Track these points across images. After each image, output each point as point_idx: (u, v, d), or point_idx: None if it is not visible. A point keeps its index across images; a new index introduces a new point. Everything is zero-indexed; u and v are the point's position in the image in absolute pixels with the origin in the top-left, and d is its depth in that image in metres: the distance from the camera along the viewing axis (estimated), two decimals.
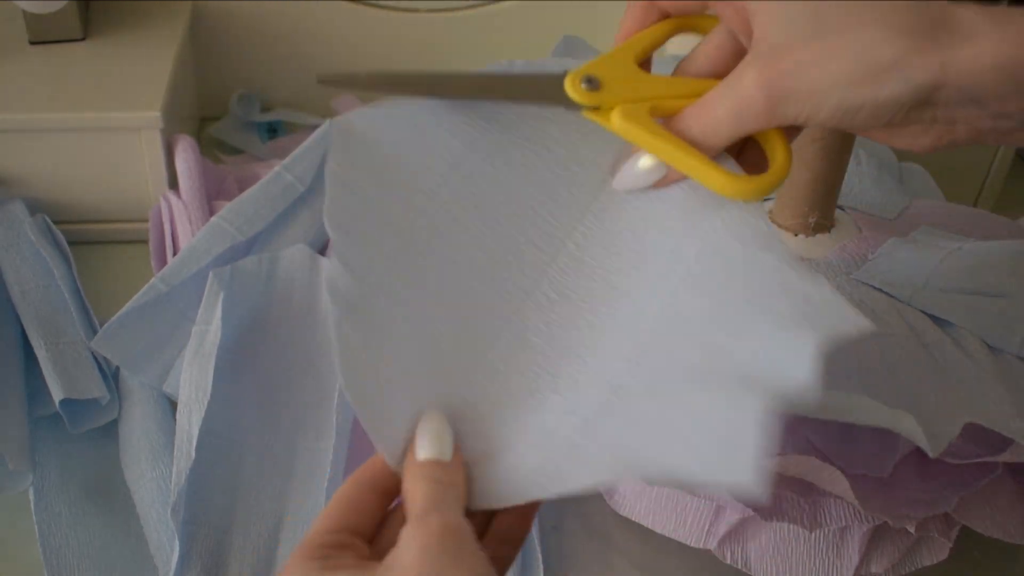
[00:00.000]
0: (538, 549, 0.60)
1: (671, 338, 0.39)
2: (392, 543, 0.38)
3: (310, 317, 0.66)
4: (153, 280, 0.67)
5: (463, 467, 0.40)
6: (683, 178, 0.41)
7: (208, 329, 0.63)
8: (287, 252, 0.69)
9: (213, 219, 0.71)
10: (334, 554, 0.38)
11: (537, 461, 0.40)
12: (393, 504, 0.42)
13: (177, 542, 0.56)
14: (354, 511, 0.40)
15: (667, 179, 0.42)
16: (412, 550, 0.36)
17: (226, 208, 0.72)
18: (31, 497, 0.60)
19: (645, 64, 0.44)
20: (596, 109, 0.42)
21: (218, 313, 0.63)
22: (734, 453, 0.33)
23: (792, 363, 0.34)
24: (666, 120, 0.42)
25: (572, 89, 0.41)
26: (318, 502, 0.59)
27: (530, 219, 0.43)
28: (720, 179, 0.40)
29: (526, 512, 0.42)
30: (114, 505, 0.61)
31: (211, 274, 0.65)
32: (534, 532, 0.60)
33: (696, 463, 0.34)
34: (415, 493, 0.39)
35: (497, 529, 0.42)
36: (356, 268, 0.40)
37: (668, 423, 0.36)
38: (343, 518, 0.40)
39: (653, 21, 0.45)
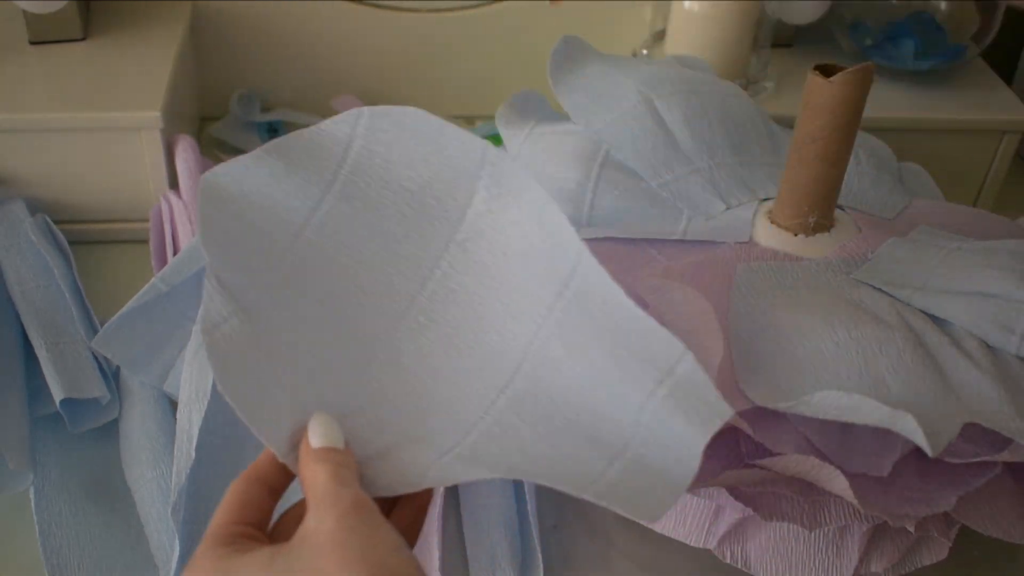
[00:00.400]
0: (538, 548, 0.60)
1: (539, 382, 0.43)
2: (287, 535, 0.39)
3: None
4: (153, 280, 0.67)
5: (353, 456, 0.42)
6: None
7: None
8: None
9: None
10: (241, 541, 0.40)
11: (426, 461, 0.43)
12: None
13: (177, 542, 0.56)
14: (248, 506, 0.42)
15: None
16: (327, 522, 0.38)
17: None
18: (31, 497, 0.60)
19: None
20: None
21: None
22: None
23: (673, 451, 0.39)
24: None
25: None
26: None
27: (394, 251, 0.46)
28: None
29: (422, 505, 0.45)
30: (114, 505, 0.61)
31: None
32: (534, 531, 0.60)
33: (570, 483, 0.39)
34: (316, 476, 0.40)
35: (395, 524, 0.43)
36: (233, 291, 0.43)
37: (540, 450, 0.41)
38: (239, 512, 0.41)
39: None
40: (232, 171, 0.46)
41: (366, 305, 0.46)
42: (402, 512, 0.44)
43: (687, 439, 0.41)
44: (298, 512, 0.43)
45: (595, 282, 0.44)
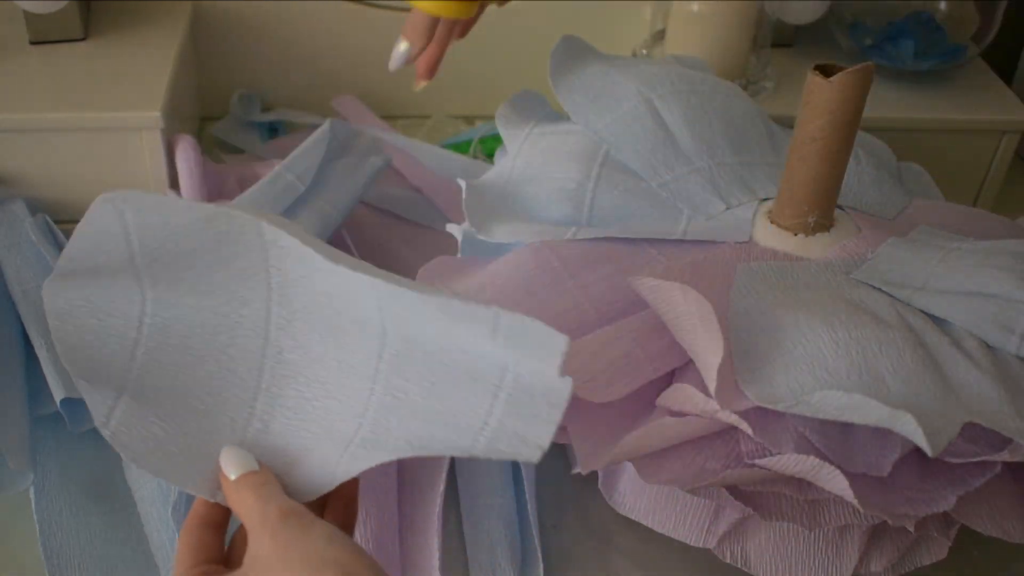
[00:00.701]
0: (538, 548, 0.60)
1: (408, 340, 0.46)
2: (240, 555, 0.44)
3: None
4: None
5: (271, 471, 0.46)
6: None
7: None
8: None
9: None
10: (209, 565, 0.44)
11: (335, 458, 0.46)
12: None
13: (178, 542, 0.56)
14: (200, 548, 0.45)
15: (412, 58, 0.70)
16: (264, 539, 0.42)
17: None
18: (32, 496, 0.60)
19: None
20: None
21: None
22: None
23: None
24: None
25: None
26: None
27: (228, 313, 0.49)
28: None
29: (350, 498, 0.48)
30: (115, 505, 0.61)
31: None
32: (534, 531, 0.60)
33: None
34: (244, 502, 0.44)
35: (331, 521, 0.47)
36: (105, 383, 0.48)
37: (432, 407, 0.45)
38: (195, 556, 0.45)
39: None
40: (53, 288, 0.50)
41: (231, 317, 0.49)
42: (334, 507, 0.48)
43: (546, 369, 0.42)
44: (244, 532, 0.46)
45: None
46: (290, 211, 0.74)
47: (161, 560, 0.57)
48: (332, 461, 0.46)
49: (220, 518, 0.47)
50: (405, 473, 0.63)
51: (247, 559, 0.42)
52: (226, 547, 0.47)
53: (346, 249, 0.79)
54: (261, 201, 0.73)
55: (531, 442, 0.42)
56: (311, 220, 0.74)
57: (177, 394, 0.48)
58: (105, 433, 0.47)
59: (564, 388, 0.41)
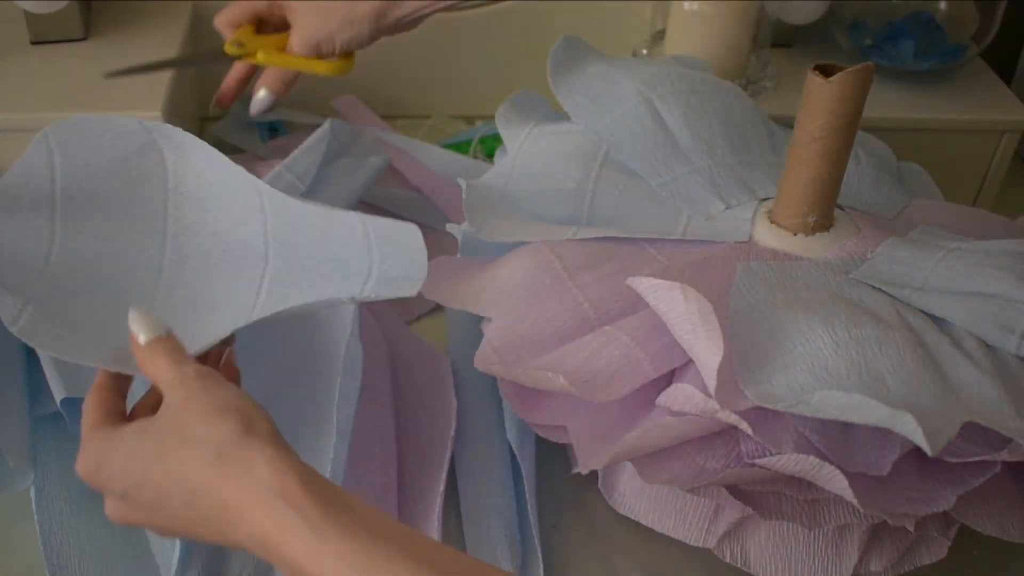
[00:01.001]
0: (539, 547, 0.60)
1: (287, 259, 0.54)
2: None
3: (313, 316, 0.66)
4: None
5: (175, 336, 0.49)
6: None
7: None
8: None
9: None
10: (113, 421, 0.48)
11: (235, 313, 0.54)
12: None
13: (178, 541, 0.56)
14: (106, 409, 0.49)
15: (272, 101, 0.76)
16: (179, 392, 0.45)
17: None
18: (32, 496, 0.60)
19: (258, 29, 0.75)
20: (247, 55, 0.74)
21: None
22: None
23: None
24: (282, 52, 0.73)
25: (229, 49, 0.74)
26: None
27: (126, 259, 0.56)
28: (321, 65, 0.74)
29: (228, 366, 0.52)
30: None
31: None
32: (534, 530, 0.60)
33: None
34: (156, 364, 0.47)
35: None
36: (17, 289, 0.53)
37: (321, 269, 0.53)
38: (98, 413, 0.49)
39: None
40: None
41: (128, 260, 0.56)
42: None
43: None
44: (147, 401, 0.50)
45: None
46: None
47: (161, 560, 0.57)
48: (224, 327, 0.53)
49: (123, 385, 0.51)
50: (404, 474, 0.63)
51: (161, 409, 0.46)
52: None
53: None
54: None
55: (407, 281, 0.50)
56: None
57: (79, 305, 0.54)
58: (13, 330, 0.51)
59: (417, 235, 0.50)
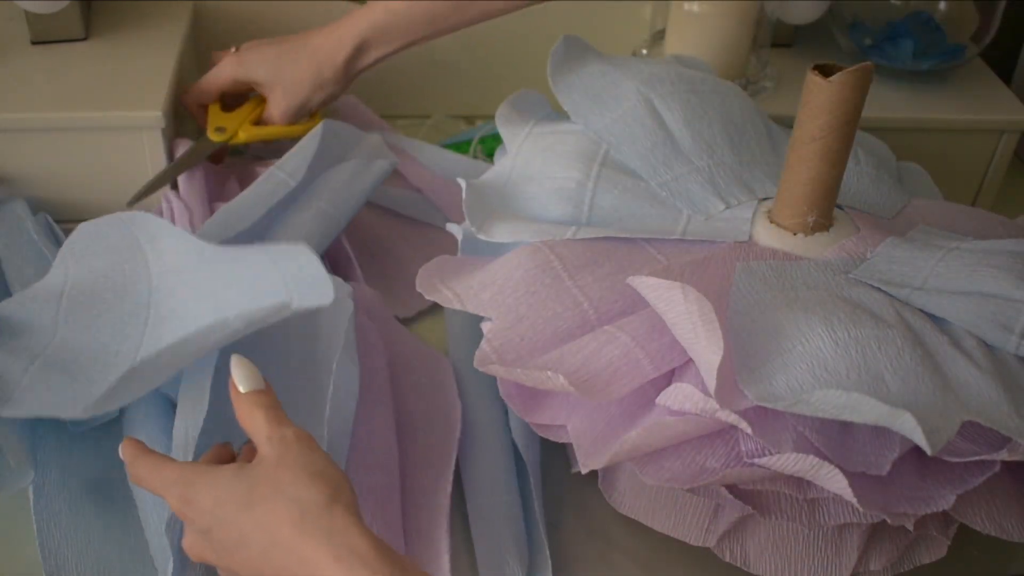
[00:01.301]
0: (546, 545, 0.60)
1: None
2: None
3: (312, 319, 0.66)
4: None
5: (272, 391, 0.53)
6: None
7: None
8: None
9: (207, 223, 0.72)
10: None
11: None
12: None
13: (171, 555, 0.55)
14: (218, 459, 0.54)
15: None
16: (277, 449, 0.49)
17: (222, 210, 0.73)
18: (31, 496, 0.60)
19: (226, 106, 0.83)
20: (229, 138, 0.81)
21: None
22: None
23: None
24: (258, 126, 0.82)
25: (214, 137, 0.81)
26: None
27: (120, 307, 0.65)
28: (297, 129, 0.81)
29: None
30: (114, 505, 0.61)
31: None
32: (541, 528, 0.60)
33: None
34: (254, 419, 0.51)
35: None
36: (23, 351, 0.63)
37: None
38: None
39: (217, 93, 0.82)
40: None
41: (113, 346, 0.64)
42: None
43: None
44: (248, 449, 0.54)
45: None
46: (291, 211, 0.74)
47: (160, 563, 0.57)
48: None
49: (227, 458, 0.54)
50: (410, 478, 0.63)
51: (255, 461, 0.49)
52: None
53: (343, 251, 0.79)
54: (255, 197, 0.73)
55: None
56: (314, 221, 0.74)
57: (69, 376, 0.62)
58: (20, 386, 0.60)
59: (310, 255, 0.58)
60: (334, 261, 0.79)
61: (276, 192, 0.74)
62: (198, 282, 0.64)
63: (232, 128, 0.81)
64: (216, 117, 0.82)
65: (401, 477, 0.63)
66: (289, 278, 0.60)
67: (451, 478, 0.63)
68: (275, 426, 0.50)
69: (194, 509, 0.49)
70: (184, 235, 0.64)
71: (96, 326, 0.64)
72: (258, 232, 0.73)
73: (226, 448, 0.55)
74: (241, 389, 0.52)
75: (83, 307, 0.65)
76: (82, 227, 0.66)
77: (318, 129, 0.77)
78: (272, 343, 0.65)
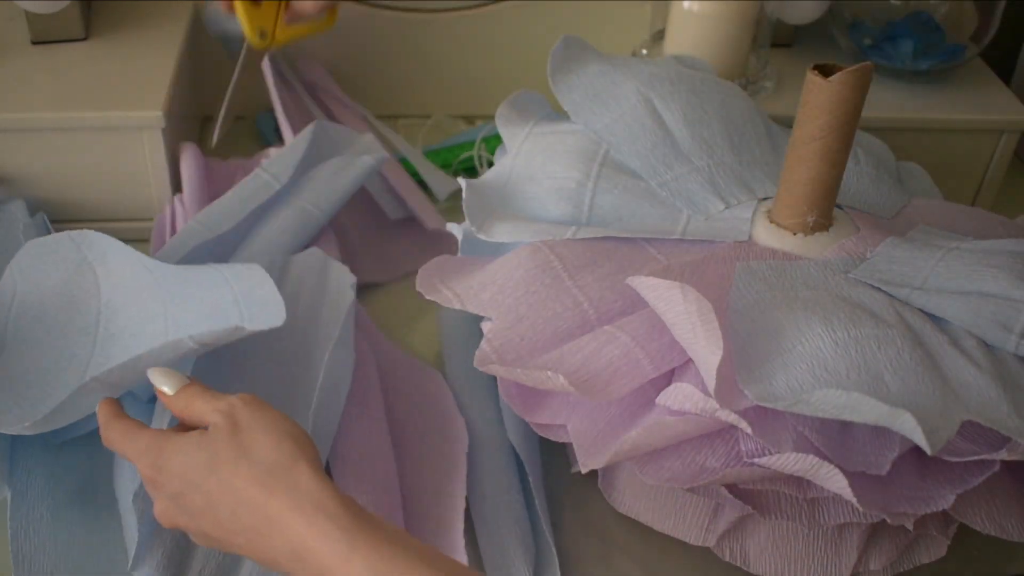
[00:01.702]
0: (551, 543, 0.60)
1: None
2: None
3: (312, 321, 0.66)
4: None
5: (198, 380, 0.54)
6: None
7: None
8: (301, 255, 0.70)
9: (188, 222, 0.72)
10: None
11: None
12: None
13: (137, 530, 0.55)
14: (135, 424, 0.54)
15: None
16: (231, 417, 0.50)
17: (205, 210, 0.73)
18: (8, 501, 0.59)
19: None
20: (269, 43, 0.81)
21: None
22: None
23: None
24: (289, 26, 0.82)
25: (258, 44, 0.81)
26: None
27: (69, 325, 0.65)
28: (328, 24, 0.84)
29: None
30: (98, 513, 0.60)
31: None
32: (546, 527, 0.61)
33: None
34: (194, 407, 0.52)
35: None
36: None
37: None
38: (136, 427, 0.53)
39: None
40: None
41: (62, 363, 0.63)
42: None
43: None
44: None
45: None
46: (272, 210, 0.74)
47: (138, 572, 0.56)
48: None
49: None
50: (418, 497, 0.62)
51: (211, 429, 0.50)
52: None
53: (331, 250, 0.78)
54: (239, 199, 0.73)
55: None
56: (293, 218, 0.74)
57: (14, 393, 0.61)
58: None
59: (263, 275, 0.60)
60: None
61: (260, 193, 0.74)
62: (149, 301, 0.64)
63: (269, 30, 0.81)
64: (251, 16, 0.80)
65: (407, 495, 0.62)
66: (242, 299, 0.61)
67: (464, 496, 0.62)
68: (217, 401, 0.51)
69: (164, 475, 0.50)
70: (134, 254, 0.64)
71: (45, 342, 0.64)
72: (240, 231, 0.73)
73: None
74: (169, 392, 0.53)
75: (31, 323, 0.65)
76: (30, 244, 0.66)
77: (309, 131, 0.77)
78: (260, 345, 0.65)
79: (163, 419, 0.58)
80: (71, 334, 0.64)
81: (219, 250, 0.72)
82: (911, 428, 0.47)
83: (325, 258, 0.70)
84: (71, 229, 0.76)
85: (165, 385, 0.53)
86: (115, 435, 0.53)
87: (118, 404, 0.55)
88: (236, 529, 0.48)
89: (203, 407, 0.51)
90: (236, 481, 0.48)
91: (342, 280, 0.68)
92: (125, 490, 0.58)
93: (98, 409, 0.54)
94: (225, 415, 0.50)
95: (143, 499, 0.55)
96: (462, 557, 0.59)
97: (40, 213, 0.76)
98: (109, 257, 0.65)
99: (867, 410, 0.48)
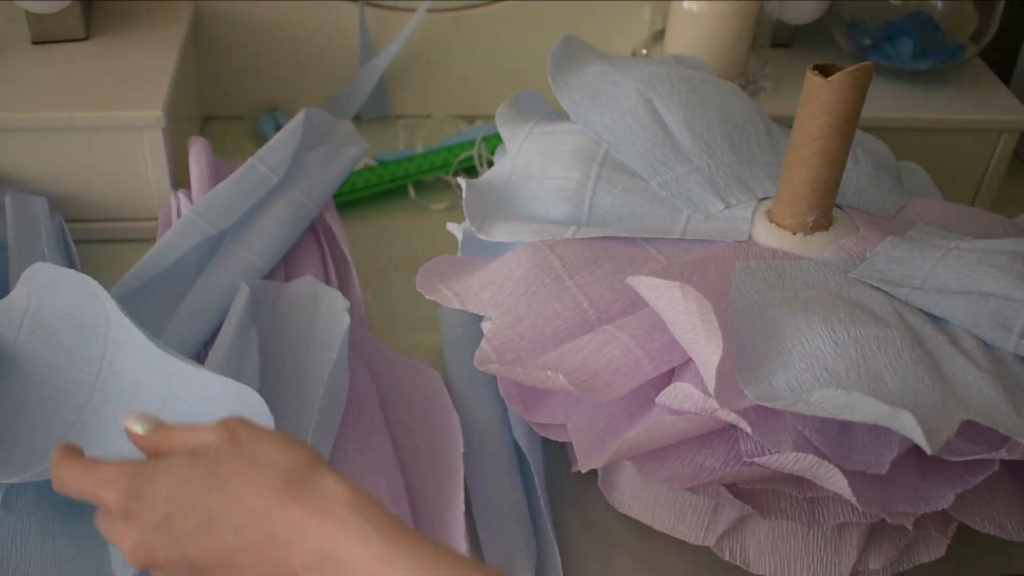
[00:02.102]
0: (554, 542, 0.60)
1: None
2: None
3: (304, 345, 0.66)
4: (126, 276, 0.68)
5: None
6: None
7: None
8: (294, 282, 0.70)
9: (186, 213, 0.72)
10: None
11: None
12: None
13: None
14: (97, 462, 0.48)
15: None
16: (223, 433, 0.46)
17: (199, 202, 0.73)
18: None
19: None
20: None
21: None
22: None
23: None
24: None
25: None
26: None
27: (77, 352, 0.63)
28: None
29: None
30: (86, 525, 0.58)
31: None
32: (548, 526, 0.60)
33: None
34: (174, 438, 0.47)
35: None
36: None
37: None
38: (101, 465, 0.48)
39: None
40: None
41: (64, 391, 0.61)
42: None
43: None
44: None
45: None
46: (266, 201, 0.74)
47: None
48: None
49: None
50: (418, 505, 0.62)
51: (206, 446, 0.46)
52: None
53: (319, 248, 0.78)
54: (236, 193, 0.73)
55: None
56: (287, 210, 0.74)
57: (11, 420, 0.60)
58: None
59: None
60: (326, 264, 0.78)
61: (259, 186, 0.74)
62: (153, 356, 0.61)
63: None
64: None
65: (410, 500, 0.62)
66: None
67: (463, 496, 0.62)
68: (203, 426, 0.47)
69: (145, 501, 0.45)
70: (140, 335, 0.61)
71: (53, 364, 0.62)
72: (241, 222, 0.74)
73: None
74: (140, 431, 0.48)
75: (41, 342, 0.63)
76: (39, 265, 0.64)
77: (300, 121, 0.77)
78: (263, 352, 0.65)
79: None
80: (78, 360, 0.62)
81: (218, 237, 0.73)
82: (911, 428, 0.47)
83: (317, 284, 0.69)
84: (72, 228, 0.77)
85: (137, 424, 0.49)
86: (71, 472, 0.47)
87: (74, 446, 0.49)
88: (240, 546, 0.43)
89: (186, 435, 0.47)
90: (247, 490, 0.43)
91: (335, 305, 0.68)
92: None
93: (52, 454, 0.49)
94: (220, 431, 0.46)
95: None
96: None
97: (59, 217, 0.76)
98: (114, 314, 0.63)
99: (867, 410, 0.49)
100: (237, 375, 0.62)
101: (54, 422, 0.60)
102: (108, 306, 0.62)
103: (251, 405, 0.56)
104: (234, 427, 0.46)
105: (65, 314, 0.63)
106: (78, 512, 0.59)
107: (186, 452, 0.46)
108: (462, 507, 0.61)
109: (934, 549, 0.60)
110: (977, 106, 0.88)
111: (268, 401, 0.63)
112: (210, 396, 0.58)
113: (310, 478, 0.43)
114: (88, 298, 0.63)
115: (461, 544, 0.59)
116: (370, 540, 0.41)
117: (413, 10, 0.92)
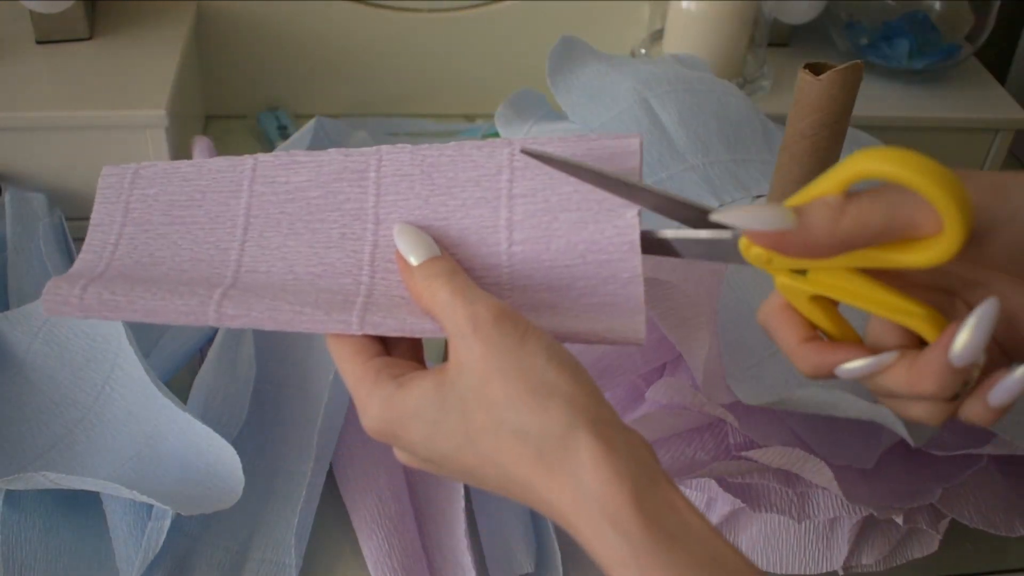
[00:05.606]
0: (555, 540, 0.60)
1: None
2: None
3: (306, 341, 0.67)
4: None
5: (449, 256, 0.42)
6: None
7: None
8: None
9: None
10: (390, 372, 0.41)
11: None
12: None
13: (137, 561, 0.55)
14: (367, 348, 0.42)
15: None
16: (474, 347, 0.38)
17: None
18: (0, 511, 0.57)
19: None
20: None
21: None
22: None
23: None
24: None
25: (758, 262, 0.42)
26: (290, 524, 0.59)
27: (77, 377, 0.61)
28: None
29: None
30: (87, 520, 0.59)
31: None
32: (549, 525, 0.61)
33: None
34: (435, 295, 0.40)
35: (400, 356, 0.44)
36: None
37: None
38: (365, 352, 0.42)
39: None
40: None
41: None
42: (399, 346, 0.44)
43: None
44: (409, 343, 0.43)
45: None
46: None
47: (124, 570, 0.56)
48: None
49: (376, 349, 0.43)
50: (419, 500, 0.63)
51: (452, 365, 0.39)
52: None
53: None
54: None
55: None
56: None
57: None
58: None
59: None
60: None
61: None
62: (146, 388, 0.60)
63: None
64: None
65: (411, 497, 0.63)
66: (205, 468, 0.57)
67: (463, 493, 0.62)
68: (464, 303, 0.39)
69: (404, 443, 0.40)
70: (144, 378, 0.60)
71: (57, 379, 0.62)
72: None
73: (371, 346, 0.42)
74: (413, 261, 0.42)
75: (52, 354, 0.63)
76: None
77: (310, 128, 0.77)
78: (267, 349, 0.66)
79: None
80: (81, 379, 0.62)
81: None
82: (892, 421, 0.48)
83: None
84: (73, 227, 0.77)
85: (410, 250, 0.42)
86: (348, 377, 0.42)
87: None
88: (512, 493, 0.39)
89: (447, 304, 0.39)
90: (501, 458, 0.38)
91: None
92: (119, 517, 0.58)
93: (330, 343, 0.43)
94: (470, 343, 0.38)
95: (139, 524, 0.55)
96: (464, 552, 0.59)
97: (58, 212, 0.77)
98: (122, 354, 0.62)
99: (850, 406, 0.49)
100: (230, 372, 0.63)
101: (43, 434, 0.60)
102: (121, 333, 0.61)
103: (225, 461, 0.55)
104: (484, 343, 0.38)
105: (80, 332, 0.63)
106: (82, 509, 0.59)
107: (432, 383, 0.39)
108: (462, 504, 0.61)
109: (926, 544, 0.60)
110: (973, 105, 0.89)
111: (272, 398, 0.64)
112: (192, 441, 0.57)
113: (565, 453, 0.37)
114: (104, 321, 0.62)
115: (461, 541, 0.59)
116: (620, 554, 0.35)
117: (413, 10, 0.93)
